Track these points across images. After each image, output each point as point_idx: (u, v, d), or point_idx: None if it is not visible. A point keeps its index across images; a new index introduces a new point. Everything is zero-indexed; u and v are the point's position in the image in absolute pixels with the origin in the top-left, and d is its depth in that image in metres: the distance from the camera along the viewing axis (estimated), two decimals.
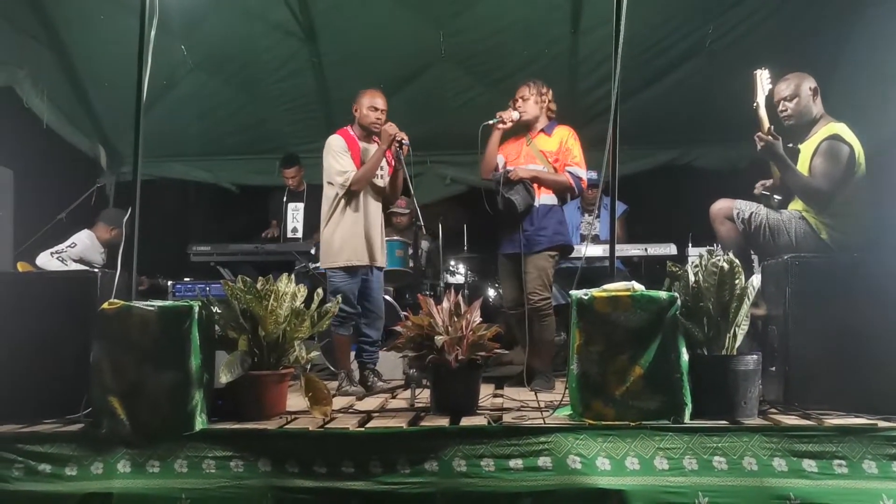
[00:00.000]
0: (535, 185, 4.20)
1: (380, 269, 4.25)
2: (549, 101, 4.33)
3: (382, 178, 4.25)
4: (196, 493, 2.64)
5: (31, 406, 3.00)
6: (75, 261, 5.52)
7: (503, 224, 4.28)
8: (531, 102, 4.27)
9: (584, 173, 4.29)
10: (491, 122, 4.22)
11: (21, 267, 5.08)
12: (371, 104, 4.13)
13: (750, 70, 3.64)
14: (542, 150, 4.26)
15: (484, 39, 5.79)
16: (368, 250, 4.11)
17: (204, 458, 2.71)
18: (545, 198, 4.24)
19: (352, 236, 4.07)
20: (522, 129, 4.34)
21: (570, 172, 4.23)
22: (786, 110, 3.73)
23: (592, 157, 4.74)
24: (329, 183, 4.12)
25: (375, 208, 4.22)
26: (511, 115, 4.23)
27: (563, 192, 4.28)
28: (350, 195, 4.07)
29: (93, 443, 2.75)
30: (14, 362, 3.03)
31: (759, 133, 3.58)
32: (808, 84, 3.71)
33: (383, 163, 4.20)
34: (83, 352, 2.89)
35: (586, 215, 5.98)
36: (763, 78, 3.61)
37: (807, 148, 3.70)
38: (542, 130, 4.31)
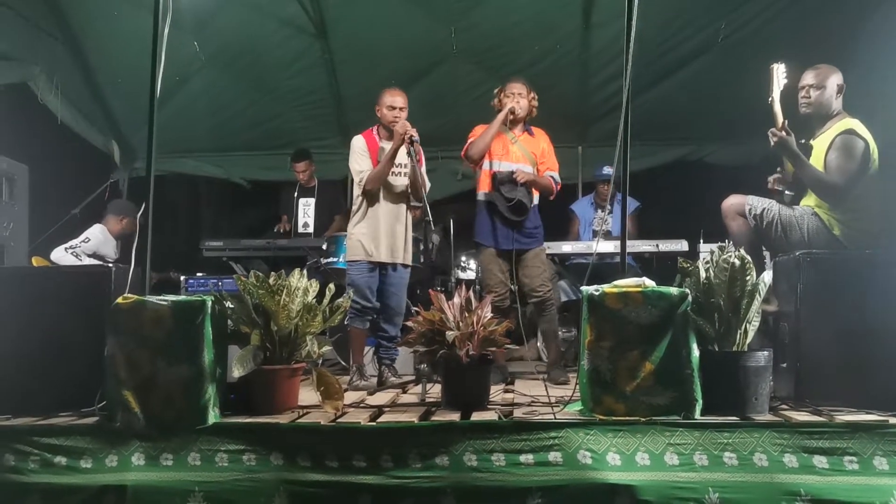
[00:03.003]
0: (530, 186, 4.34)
1: (405, 266, 4.25)
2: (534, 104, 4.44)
3: (405, 176, 4.23)
4: (209, 486, 2.67)
5: (46, 399, 3.03)
6: (89, 255, 5.56)
7: (499, 221, 4.31)
8: (525, 101, 4.35)
9: (558, 178, 4.50)
10: (507, 109, 4.28)
11: (35, 261, 5.13)
12: (390, 103, 4.16)
13: (762, 66, 3.62)
14: (533, 152, 4.38)
15: (495, 35, 5.78)
16: (390, 247, 4.14)
17: (217, 452, 2.73)
18: (535, 198, 4.42)
19: (372, 232, 4.12)
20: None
21: (551, 177, 4.42)
22: (808, 97, 3.70)
23: (605, 153, 4.73)
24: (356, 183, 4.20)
25: (398, 205, 4.22)
26: (517, 110, 4.31)
27: (547, 194, 4.46)
28: (371, 193, 4.12)
29: (107, 436, 2.78)
30: (29, 356, 3.05)
31: (773, 129, 3.56)
32: (837, 79, 3.69)
33: (405, 160, 4.17)
34: (97, 346, 2.90)
35: (599, 211, 5.98)
36: (779, 72, 3.58)
37: (820, 143, 3.68)
38: (525, 131, 4.43)
